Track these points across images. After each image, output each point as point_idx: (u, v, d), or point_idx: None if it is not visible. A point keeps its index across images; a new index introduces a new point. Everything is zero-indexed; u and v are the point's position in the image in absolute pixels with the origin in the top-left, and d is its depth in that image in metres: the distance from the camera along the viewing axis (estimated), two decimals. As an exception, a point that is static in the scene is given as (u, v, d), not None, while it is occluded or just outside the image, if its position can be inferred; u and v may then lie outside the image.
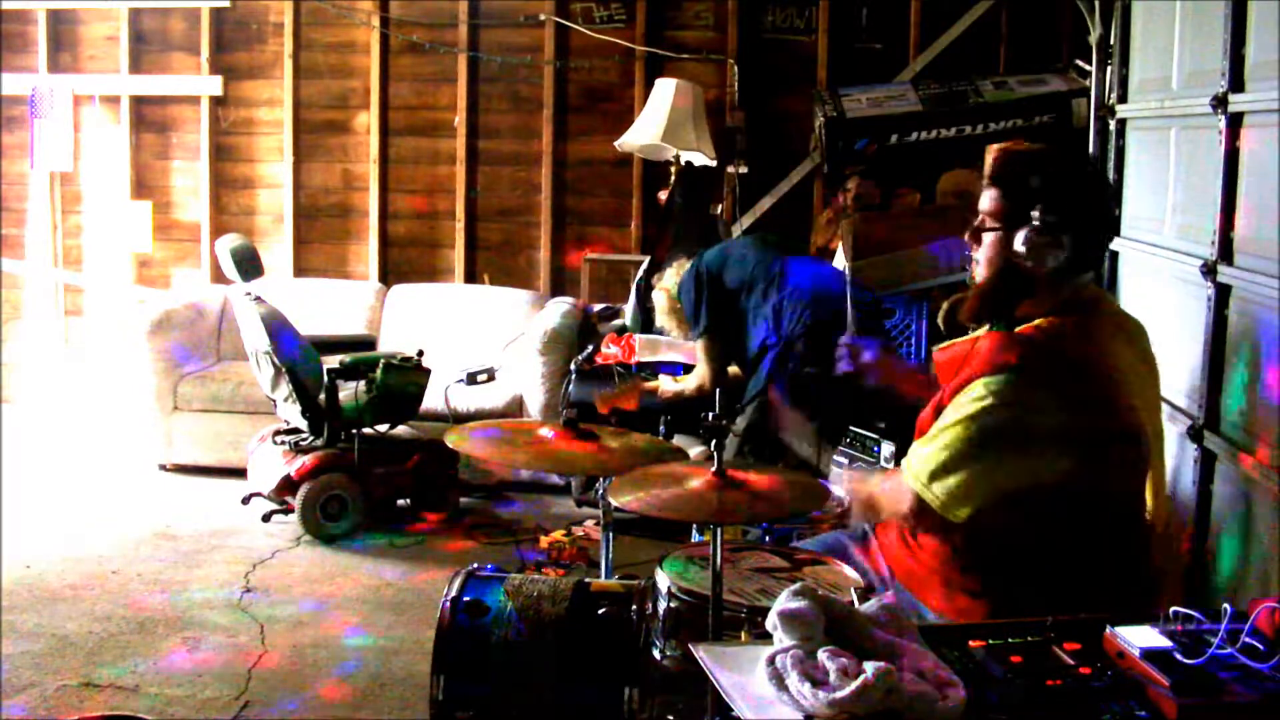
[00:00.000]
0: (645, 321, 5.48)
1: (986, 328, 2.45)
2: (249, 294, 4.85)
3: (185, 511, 5.08)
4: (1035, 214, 2.30)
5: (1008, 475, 2.26)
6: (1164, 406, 2.78)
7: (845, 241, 4.74)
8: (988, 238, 2.39)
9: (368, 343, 5.53)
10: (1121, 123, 4.13)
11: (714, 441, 2.36)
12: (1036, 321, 2.33)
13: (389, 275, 6.32)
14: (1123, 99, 4.13)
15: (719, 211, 5.80)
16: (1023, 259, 2.32)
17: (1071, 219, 2.31)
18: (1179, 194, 3.55)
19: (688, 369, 5.07)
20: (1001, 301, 2.40)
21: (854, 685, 1.56)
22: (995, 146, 2.48)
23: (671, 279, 4.50)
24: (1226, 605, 1.76)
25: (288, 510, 4.83)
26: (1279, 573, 2.73)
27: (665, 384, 4.47)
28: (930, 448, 2.30)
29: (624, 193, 6.12)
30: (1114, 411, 2.31)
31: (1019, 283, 2.35)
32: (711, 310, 4.25)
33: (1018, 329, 2.34)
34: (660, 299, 4.54)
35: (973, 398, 2.25)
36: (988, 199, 2.40)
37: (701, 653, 1.79)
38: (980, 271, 2.43)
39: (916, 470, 2.31)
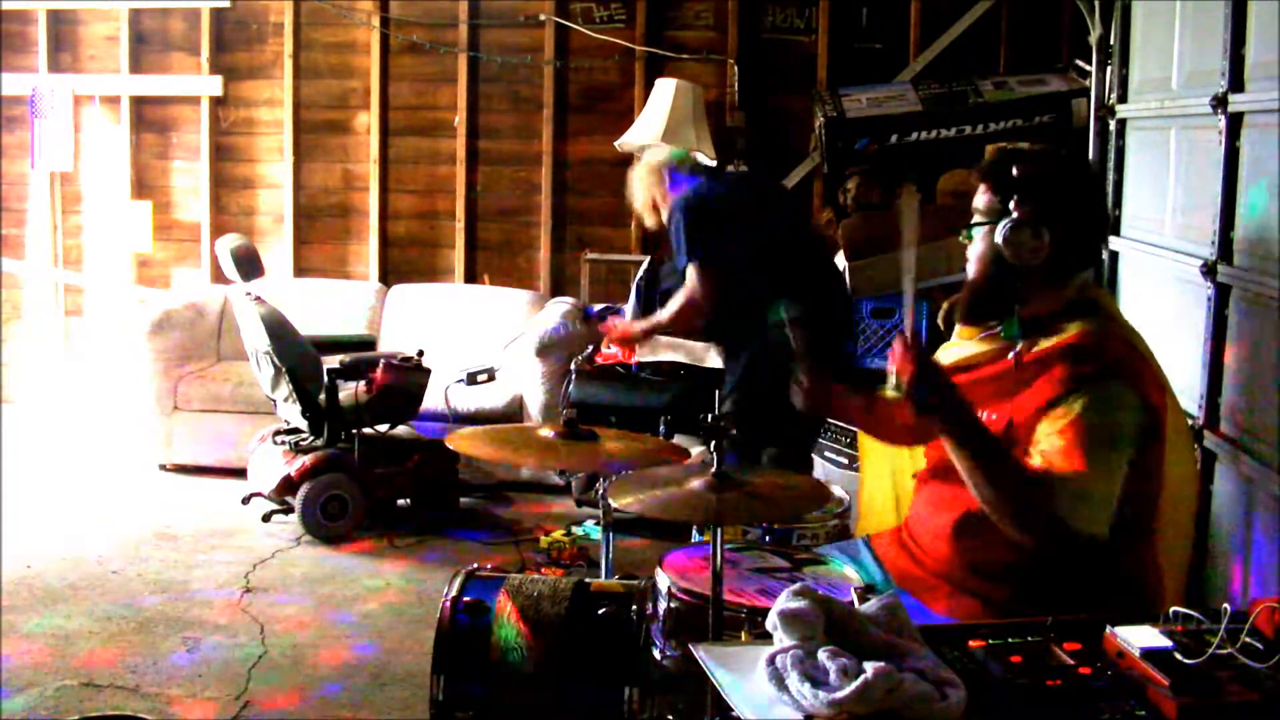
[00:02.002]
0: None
1: (987, 332, 2.45)
2: (249, 294, 4.86)
3: (185, 511, 5.08)
4: (1012, 207, 2.31)
5: (1123, 475, 2.22)
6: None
7: (844, 242, 4.74)
8: (978, 233, 2.40)
9: (368, 343, 5.53)
10: (1121, 123, 4.13)
11: (714, 442, 2.36)
12: (1069, 330, 2.32)
13: (389, 275, 6.32)
14: (1123, 99, 4.13)
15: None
16: (1002, 253, 2.32)
17: (1054, 216, 2.30)
18: (1179, 194, 3.55)
19: (687, 368, 5.07)
20: (991, 299, 2.40)
21: (854, 685, 1.56)
22: (993, 146, 2.48)
23: (657, 157, 4.30)
24: (1226, 605, 1.76)
25: (288, 510, 4.83)
26: (1279, 573, 2.74)
27: (632, 325, 4.21)
28: (1078, 488, 2.16)
29: (624, 193, 6.09)
30: (1172, 406, 2.36)
31: (1007, 279, 2.35)
32: (708, 245, 4.00)
33: (1054, 340, 2.32)
34: (641, 176, 4.29)
35: (1083, 420, 2.19)
36: (980, 195, 2.41)
37: (701, 653, 1.79)
38: (971, 268, 2.44)
39: (1087, 520, 2.16)
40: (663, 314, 4.13)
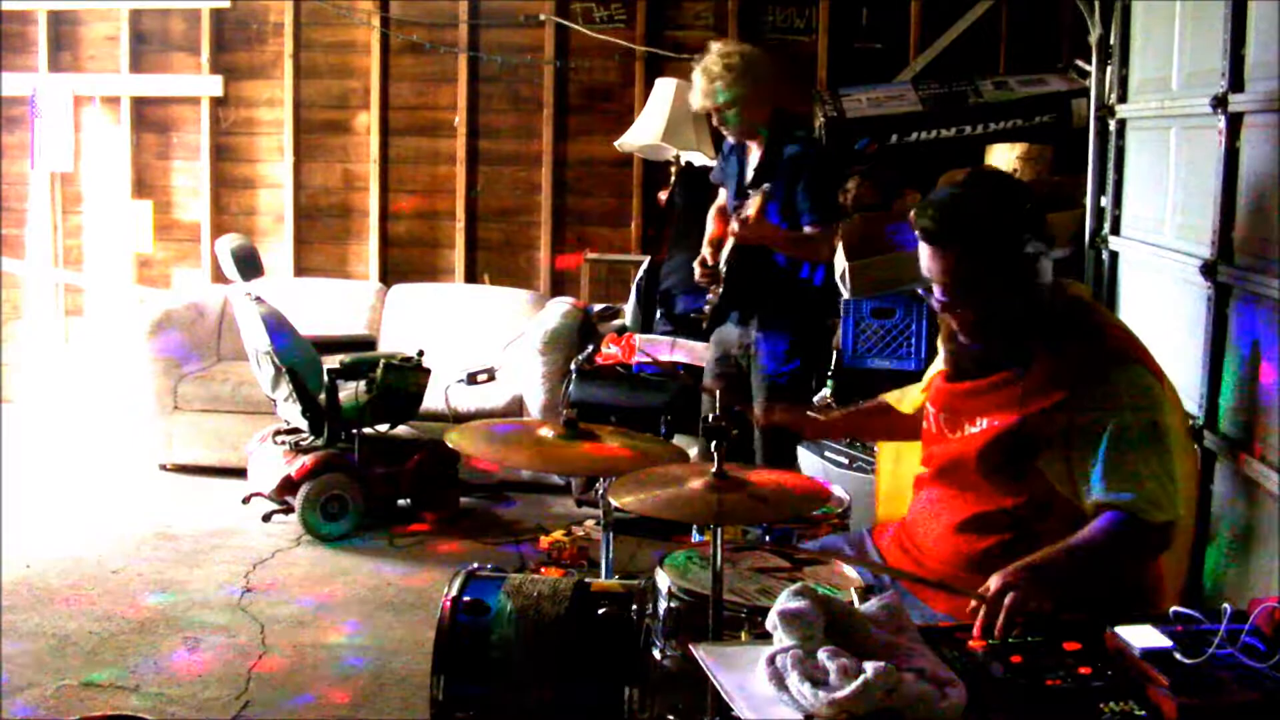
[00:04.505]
0: (645, 321, 5.49)
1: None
2: (249, 294, 4.86)
3: (185, 511, 5.08)
4: (988, 263, 2.28)
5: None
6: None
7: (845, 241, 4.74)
8: (959, 304, 2.36)
9: (368, 343, 5.53)
10: (1121, 123, 4.12)
11: (714, 442, 2.36)
12: (1063, 329, 2.32)
13: (389, 275, 6.32)
14: (1123, 99, 4.13)
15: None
16: (1008, 296, 2.31)
17: (1011, 249, 2.30)
18: (1179, 194, 3.55)
19: (687, 368, 5.08)
20: (1002, 340, 2.39)
21: (854, 685, 1.56)
22: (913, 206, 2.41)
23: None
24: (1226, 605, 1.76)
25: (288, 510, 4.83)
26: (1279, 573, 2.74)
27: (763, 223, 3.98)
28: (1141, 477, 2.21)
29: (624, 193, 6.12)
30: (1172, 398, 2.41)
31: (1008, 316, 2.35)
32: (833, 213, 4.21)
33: (1051, 341, 2.33)
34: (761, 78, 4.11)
35: (1117, 413, 2.22)
36: (930, 260, 2.34)
37: (701, 653, 1.79)
38: (967, 328, 2.40)
39: (1164, 503, 2.22)
40: (797, 234, 4.05)
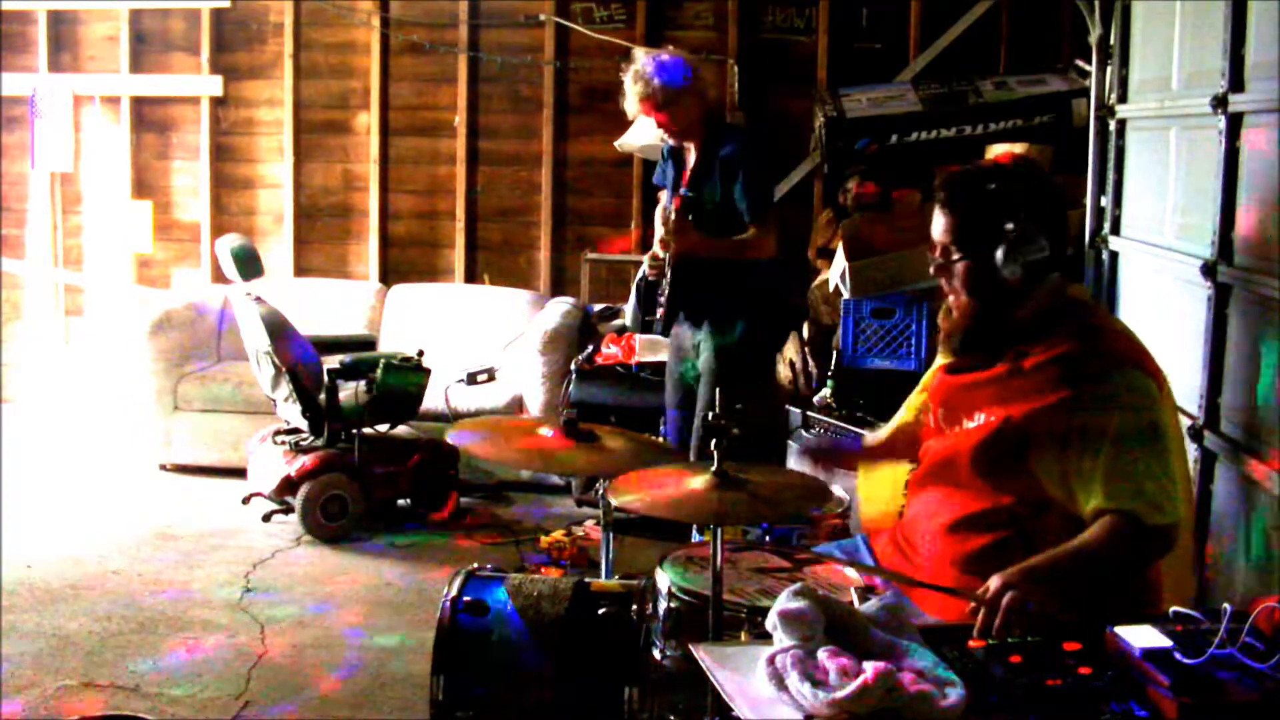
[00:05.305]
0: (645, 321, 5.48)
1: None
2: (249, 294, 4.86)
3: (185, 511, 5.08)
4: (1010, 227, 2.29)
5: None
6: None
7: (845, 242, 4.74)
8: (958, 267, 2.39)
9: (368, 343, 5.53)
10: (1121, 123, 4.13)
11: (714, 442, 2.36)
12: (1063, 329, 2.32)
13: (389, 275, 6.32)
14: (1123, 99, 4.13)
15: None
16: (1011, 274, 2.31)
17: (1035, 223, 2.30)
18: (1179, 194, 3.55)
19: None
20: (989, 325, 2.39)
21: (854, 685, 1.56)
22: (940, 174, 2.46)
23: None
24: (1226, 605, 1.76)
25: (288, 510, 4.83)
26: (1279, 573, 2.74)
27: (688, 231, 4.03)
28: (1141, 479, 2.19)
29: (624, 193, 6.12)
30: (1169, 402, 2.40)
31: (1006, 300, 2.35)
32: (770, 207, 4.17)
33: (1051, 340, 2.32)
34: (690, 92, 4.12)
35: (1115, 415, 2.21)
36: (943, 228, 2.39)
37: (701, 653, 1.80)
38: (961, 299, 2.42)
39: (1165, 505, 2.19)
40: (726, 240, 4.07)
